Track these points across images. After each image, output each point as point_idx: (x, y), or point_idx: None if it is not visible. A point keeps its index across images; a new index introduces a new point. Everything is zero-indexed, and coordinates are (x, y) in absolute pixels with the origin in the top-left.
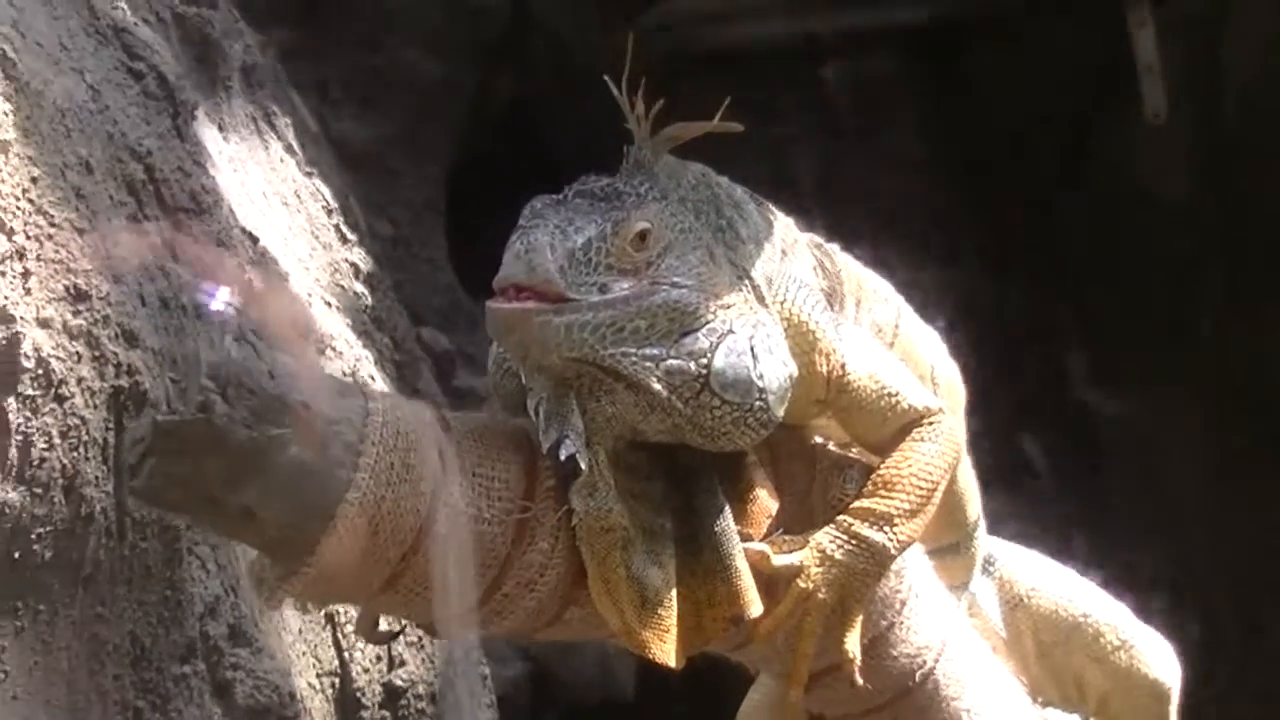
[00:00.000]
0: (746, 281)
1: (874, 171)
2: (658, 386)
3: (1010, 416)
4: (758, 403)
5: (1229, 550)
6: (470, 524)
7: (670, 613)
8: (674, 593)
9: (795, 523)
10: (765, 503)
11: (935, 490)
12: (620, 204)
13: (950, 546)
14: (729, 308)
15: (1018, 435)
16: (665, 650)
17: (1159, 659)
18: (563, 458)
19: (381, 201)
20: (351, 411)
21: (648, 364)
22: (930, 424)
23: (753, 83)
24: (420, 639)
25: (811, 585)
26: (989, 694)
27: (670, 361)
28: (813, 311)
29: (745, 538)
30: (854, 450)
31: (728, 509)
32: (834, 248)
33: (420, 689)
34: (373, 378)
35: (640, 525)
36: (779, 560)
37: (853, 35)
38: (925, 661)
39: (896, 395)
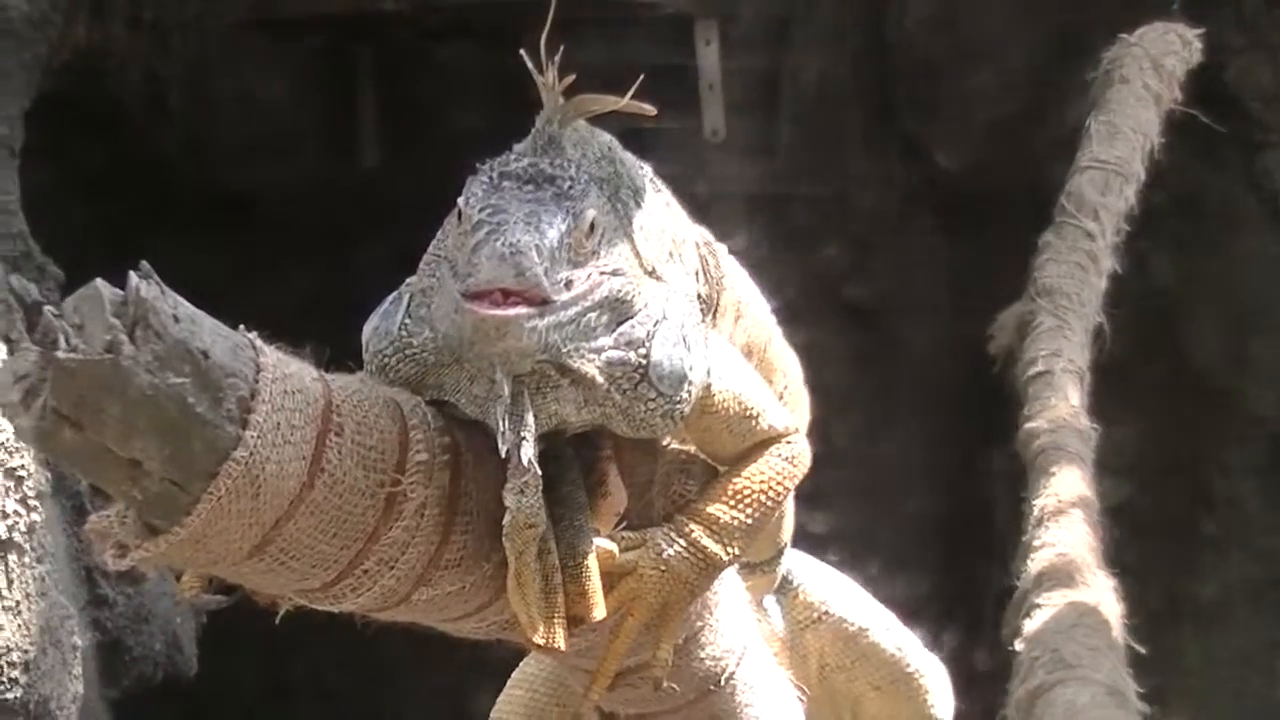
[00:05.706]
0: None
1: None
2: (600, 379)
3: None
4: (684, 395)
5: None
6: (346, 494)
7: (559, 596)
8: (560, 577)
9: (633, 517)
10: (616, 499)
11: (776, 510)
12: (561, 190)
13: (759, 564)
14: (651, 294)
15: None
16: (558, 636)
17: (938, 692)
18: (524, 461)
19: None
20: (244, 364)
21: (592, 356)
22: (788, 443)
23: None
24: (18, 604)
25: (642, 587)
26: (777, 706)
27: (611, 353)
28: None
29: (594, 532)
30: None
31: (587, 505)
32: (721, 249)
33: (15, 656)
34: None
35: None
36: (620, 558)
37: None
38: (728, 666)
39: (757, 417)
